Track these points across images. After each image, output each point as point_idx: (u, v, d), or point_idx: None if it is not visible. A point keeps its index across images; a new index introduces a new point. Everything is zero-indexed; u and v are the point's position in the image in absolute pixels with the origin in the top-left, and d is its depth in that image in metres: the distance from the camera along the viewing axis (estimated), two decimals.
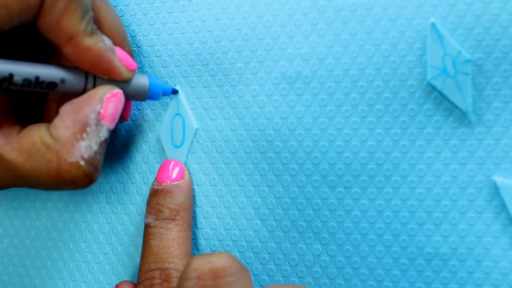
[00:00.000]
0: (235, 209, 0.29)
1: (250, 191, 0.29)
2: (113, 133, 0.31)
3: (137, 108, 0.31)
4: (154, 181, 0.29)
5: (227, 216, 0.30)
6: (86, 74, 0.25)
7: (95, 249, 0.32)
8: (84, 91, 0.25)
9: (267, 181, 0.29)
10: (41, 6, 0.23)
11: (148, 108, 0.31)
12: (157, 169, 0.31)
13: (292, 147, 0.29)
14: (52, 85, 0.24)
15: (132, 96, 0.27)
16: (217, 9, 0.30)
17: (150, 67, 0.31)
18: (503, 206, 0.26)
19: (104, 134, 0.25)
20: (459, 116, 0.27)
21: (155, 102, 0.30)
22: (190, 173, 0.30)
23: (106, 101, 0.25)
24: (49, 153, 0.24)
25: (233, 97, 0.29)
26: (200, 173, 0.30)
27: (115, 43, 0.27)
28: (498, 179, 0.26)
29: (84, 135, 0.24)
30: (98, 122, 0.25)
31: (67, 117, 0.24)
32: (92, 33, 0.25)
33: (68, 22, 0.24)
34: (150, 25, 0.31)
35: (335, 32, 0.28)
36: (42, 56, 0.28)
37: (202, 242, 0.30)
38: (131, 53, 0.29)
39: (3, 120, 0.25)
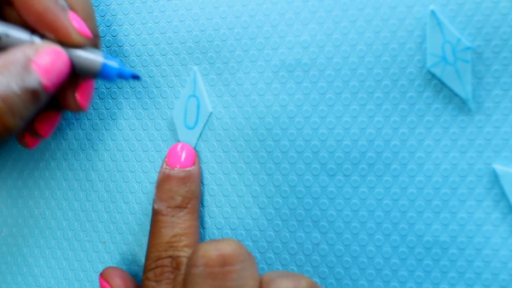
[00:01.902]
0: (234, 197, 0.31)
1: (249, 179, 0.30)
2: (112, 121, 0.32)
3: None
4: (163, 164, 0.30)
5: (225, 205, 0.31)
6: (33, 32, 0.25)
7: (94, 238, 0.33)
8: None
9: (266, 169, 0.30)
10: None
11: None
12: (156, 158, 0.32)
13: (291, 135, 0.30)
14: None
15: (81, 69, 0.26)
16: None
17: (149, 55, 0.32)
18: (503, 194, 0.27)
19: (31, 81, 0.24)
20: (458, 103, 0.28)
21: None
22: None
23: (42, 51, 0.24)
24: None
25: (232, 85, 0.31)
26: (199, 162, 0.31)
27: (77, 15, 0.26)
28: (498, 167, 0.27)
29: (6, 72, 0.23)
30: (26, 66, 0.24)
31: None
32: None
33: None
34: (149, 13, 0.32)
35: (334, 19, 0.29)
36: None
37: (200, 231, 0.31)
38: (96, 33, 0.28)
39: None
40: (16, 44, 0.25)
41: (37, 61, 0.24)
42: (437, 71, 0.28)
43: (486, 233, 0.28)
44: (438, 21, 0.28)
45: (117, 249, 0.33)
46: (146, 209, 0.32)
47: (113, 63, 0.28)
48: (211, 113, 0.31)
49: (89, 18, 0.28)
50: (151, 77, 0.32)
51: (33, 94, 0.24)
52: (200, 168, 0.30)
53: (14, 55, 0.24)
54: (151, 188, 0.32)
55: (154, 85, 0.32)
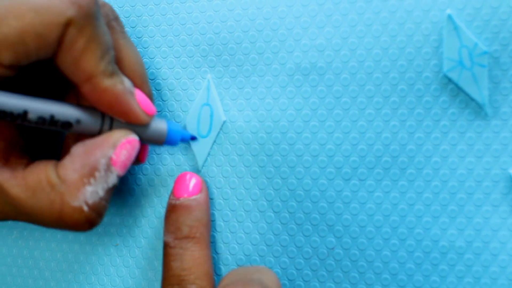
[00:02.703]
0: (248, 201, 0.31)
1: (264, 183, 0.31)
2: None
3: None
4: (171, 195, 0.30)
5: (239, 208, 0.31)
6: (103, 115, 0.26)
7: (106, 241, 0.33)
8: (99, 132, 0.26)
9: (281, 173, 0.30)
10: (60, 43, 0.24)
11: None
12: (169, 161, 0.32)
13: (306, 138, 0.30)
14: (67, 124, 0.25)
15: (149, 140, 0.28)
16: None
17: (162, 57, 0.32)
18: None
19: (112, 180, 0.25)
20: (475, 108, 0.28)
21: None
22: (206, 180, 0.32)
23: (119, 147, 0.26)
24: (53, 194, 0.25)
25: (246, 88, 0.31)
26: (213, 165, 0.31)
27: (134, 84, 0.28)
28: None
29: (92, 180, 0.25)
30: (108, 168, 0.25)
31: (77, 158, 0.25)
32: (111, 74, 0.25)
33: (87, 62, 0.24)
34: (162, 15, 0.32)
35: (350, 23, 0.29)
36: (60, 92, 0.29)
37: (214, 234, 0.31)
38: (150, 95, 0.30)
39: (10, 153, 0.26)
40: (87, 129, 0.26)
41: (116, 159, 0.25)
42: (453, 75, 0.28)
43: (502, 238, 0.28)
44: (455, 26, 0.28)
45: (129, 252, 0.33)
46: (159, 213, 0.33)
47: (177, 129, 0.29)
48: (224, 121, 0.31)
49: (144, 81, 0.29)
50: (164, 79, 0.32)
51: (113, 188, 0.26)
52: (207, 194, 0.31)
53: (96, 158, 0.25)
54: (164, 188, 0.32)
55: (168, 88, 0.32)
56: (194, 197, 0.30)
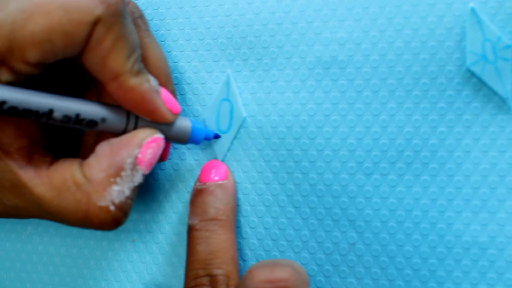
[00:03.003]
0: (268, 196, 0.31)
1: (284, 178, 0.30)
2: None
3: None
4: (196, 182, 0.30)
5: (259, 204, 0.31)
6: (128, 113, 0.26)
7: (122, 237, 0.33)
8: (124, 131, 0.26)
9: (301, 167, 0.30)
10: (87, 42, 0.23)
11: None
12: (187, 156, 0.32)
13: (327, 133, 0.30)
14: (92, 123, 0.25)
15: (173, 139, 0.28)
16: None
17: (180, 51, 0.32)
18: None
19: (138, 179, 0.25)
20: (498, 102, 0.28)
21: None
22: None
23: (145, 146, 0.26)
24: (79, 193, 0.25)
25: (265, 82, 0.31)
26: (232, 160, 0.31)
27: (159, 82, 0.27)
28: None
29: (118, 179, 0.25)
30: (134, 167, 0.25)
31: (103, 158, 0.25)
32: (138, 73, 0.25)
33: (113, 61, 0.24)
34: (180, 8, 0.32)
35: (371, 16, 0.29)
36: (80, 89, 0.29)
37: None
38: (174, 93, 0.30)
39: (33, 151, 0.26)
40: (112, 128, 0.26)
41: (142, 158, 0.25)
42: (476, 69, 0.28)
43: None
44: (478, 19, 0.28)
45: (146, 248, 0.33)
46: (177, 207, 0.32)
47: (201, 127, 0.29)
48: (245, 117, 0.31)
49: (169, 79, 0.29)
50: (182, 73, 0.32)
51: (139, 186, 0.26)
52: (234, 182, 0.30)
53: (122, 158, 0.25)
54: (182, 184, 0.32)
55: (185, 82, 0.32)
56: (221, 182, 0.30)
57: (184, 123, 0.28)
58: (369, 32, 0.29)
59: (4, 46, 0.22)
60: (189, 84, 0.32)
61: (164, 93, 0.27)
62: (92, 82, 0.29)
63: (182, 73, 0.32)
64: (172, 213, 0.33)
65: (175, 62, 0.32)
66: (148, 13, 0.33)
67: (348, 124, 0.30)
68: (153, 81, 0.26)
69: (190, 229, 0.29)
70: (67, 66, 0.27)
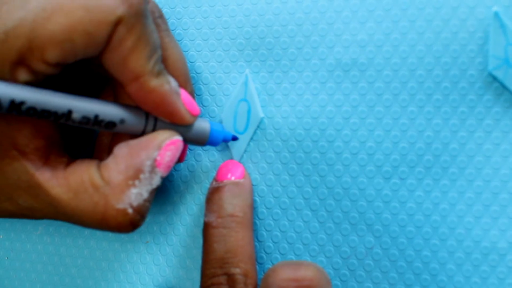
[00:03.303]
0: (285, 198, 0.30)
1: (301, 180, 0.30)
2: None
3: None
4: (212, 181, 0.30)
5: (275, 206, 0.31)
6: (147, 115, 0.26)
7: (135, 238, 0.33)
8: (143, 132, 0.26)
9: (319, 170, 0.30)
10: (108, 42, 0.23)
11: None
12: (201, 153, 0.32)
13: (346, 136, 0.30)
14: (110, 124, 0.25)
15: (191, 141, 0.28)
16: None
17: (196, 50, 0.32)
18: None
19: (156, 181, 0.25)
20: None
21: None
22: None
23: (164, 148, 0.25)
24: (96, 196, 0.24)
25: (284, 84, 0.30)
26: (249, 162, 0.31)
27: (179, 84, 0.27)
28: None
29: (137, 182, 0.24)
30: (152, 170, 0.25)
31: (121, 160, 0.25)
32: (158, 74, 0.25)
33: (135, 61, 0.24)
34: (197, 7, 0.32)
35: (393, 18, 0.29)
36: (97, 88, 0.29)
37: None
38: (193, 94, 0.29)
39: (50, 152, 0.25)
40: (130, 129, 0.25)
41: (161, 160, 0.25)
42: (498, 74, 0.28)
43: None
44: (501, 23, 0.28)
45: (160, 250, 0.33)
46: (192, 209, 0.32)
47: (219, 129, 0.29)
48: (262, 118, 0.31)
49: (188, 80, 0.29)
50: (198, 73, 0.32)
51: (156, 189, 0.25)
52: (251, 182, 0.30)
53: (141, 160, 0.24)
54: (197, 185, 0.32)
55: (202, 82, 0.32)
56: (238, 180, 0.29)
57: (202, 125, 0.28)
58: (390, 34, 0.29)
59: (24, 45, 0.21)
60: (205, 84, 0.32)
61: (183, 94, 0.26)
62: (108, 82, 0.29)
63: (199, 73, 0.32)
64: (187, 215, 0.32)
65: (192, 62, 0.32)
66: (165, 11, 0.32)
67: (367, 127, 0.29)
68: (173, 82, 0.26)
69: (207, 227, 0.29)
70: (83, 65, 0.27)
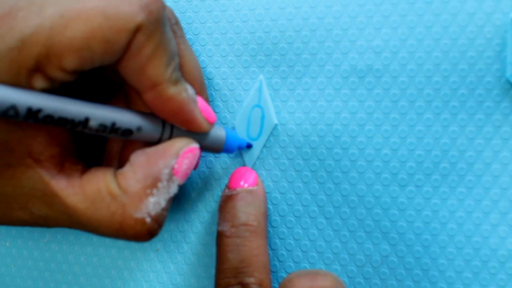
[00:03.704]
0: (298, 206, 0.30)
1: (315, 188, 0.30)
2: None
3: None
4: (225, 189, 0.29)
5: (289, 214, 0.30)
6: (163, 122, 0.25)
7: (146, 246, 0.32)
8: (159, 140, 0.25)
9: (333, 178, 0.30)
10: (126, 50, 0.22)
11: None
12: (212, 159, 0.31)
13: (360, 143, 0.29)
14: (127, 132, 0.24)
15: (207, 148, 0.27)
16: None
17: (208, 56, 0.31)
18: None
19: (174, 190, 0.25)
20: None
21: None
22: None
23: (181, 156, 0.25)
24: (114, 205, 0.24)
25: (297, 90, 0.30)
26: (262, 169, 0.31)
27: (195, 91, 0.27)
28: None
29: (154, 191, 0.24)
30: (170, 178, 0.24)
31: (139, 168, 0.24)
32: (176, 82, 0.24)
33: (153, 69, 0.23)
34: (208, 12, 0.31)
35: (409, 24, 0.29)
36: (108, 94, 0.28)
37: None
38: (208, 101, 0.29)
39: (65, 159, 0.25)
40: (147, 137, 0.25)
41: (178, 169, 0.25)
42: None
43: None
44: None
45: (170, 258, 0.32)
46: (203, 217, 0.32)
47: (235, 136, 0.29)
48: (276, 124, 0.30)
49: (203, 87, 0.28)
50: (210, 79, 0.31)
51: (173, 197, 0.25)
52: (264, 190, 0.30)
53: (159, 168, 0.24)
54: (209, 192, 0.32)
55: (213, 88, 0.31)
56: (251, 188, 0.29)
57: (218, 132, 0.28)
58: (406, 40, 0.29)
59: (42, 52, 0.21)
60: (217, 90, 0.31)
61: (200, 102, 0.26)
62: (118, 88, 0.29)
63: (210, 79, 0.31)
64: (198, 223, 0.32)
65: (203, 68, 0.31)
66: None
67: (383, 135, 0.29)
68: (190, 90, 0.25)
69: (220, 236, 0.28)
70: (95, 71, 0.26)
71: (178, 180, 0.25)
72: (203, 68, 0.31)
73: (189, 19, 0.32)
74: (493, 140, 0.28)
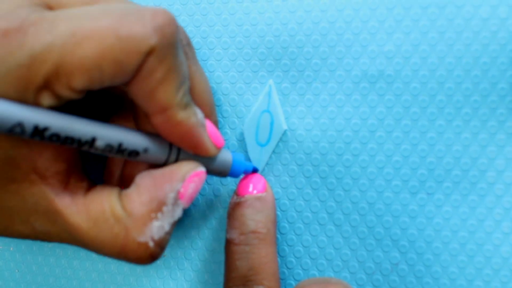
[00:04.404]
0: (308, 213, 0.30)
1: (325, 194, 0.29)
2: None
3: None
4: (233, 195, 0.29)
5: (298, 221, 0.30)
6: (170, 145, 0.25)
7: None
8: (165, 162, 0.25)
9: (343, 184, 0.29)
10: (136, 72, 0.22)
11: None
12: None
13: (371, 150, 0.29)
14: (134, 153, 0.24)
15: (213, 172, 0.27)
16: (292, 0, 0.29)
17: (216, 59, 0.31)
18: None
19: (178, 214, 0.24)
20: None
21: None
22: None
23: (187, 180, 0.24)
24: (117, 227, 0.23)
25: (307, 95, 0.29)
26: (270, 175, 0.30)
27: (204, 114, 0.26)
28: None
29: (159, 215, 0.23)
30: (175, 202, 0.24)
31: (145, 191, 0.24)
32: (186, 106, 0.24)
33: (163, 93, 0.22)
34: (217, 15, 0.30)
35: (421, 30, 0.28)
36: (110, 111, 0.28)
37: None
38: (217, 124, 0.29)
39: (70, 175, 0.24)
40: (153, 159, 0.24)
41: (184, 193, 0.24)
42: None
43: None
44: None
45: (177, 264, 0.32)
46: (211, 223, 0.31)
47: (241, 160, 0.28)
48: (285, 130, 0.30)
49: (212, 110, 0.28)
50: (218, 83, 0.31)
51: (177, 221, 0.24)
52: (273, 195, 0.29)
53: (165, 192, 0.23)
54: (216, 198, 0.31)
55: (222, 92, 0.31)
56: (260, 194, 0.28)
57: (225, 157, 0.27)
58: (418, 46, 0.28)
59: (51, 70, 0.20)
60: (225, 95, 0.31)
61: (209, 126, 0.25)
62: (124, 103, 0.28)
63: (219, 83, 0.31)
64: (206, 229, 0.31)
65: (211, 72, 0.31)
66: (182, 19, 0.31)
67: (394, 141, 0.29)
68: (199, 114, 0.25)
69: (229, 244, 0.28)
70: (104, 90, 0.26)
71: (183, 204, 0.24)
72: (211, 72, 0.31)
73: (198, 22, 0.31)
74: (506, 147, 0.28)
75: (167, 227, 0.24)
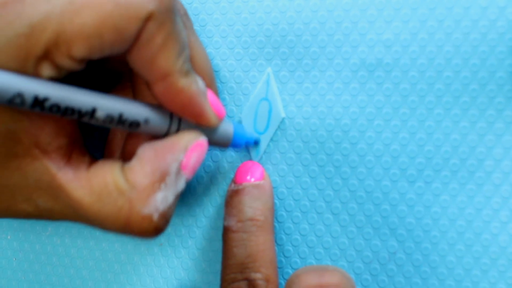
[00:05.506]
0: (305, 201, 0.29)
1: (322, 183, 0.29)
2: None
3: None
4: (231, 183, 0.29)
5: (296, 209, 0.30)
6: (171, 115, 0.25)
7: (149, 240, 0.32)
8: (166, 133, 0.25)
9: (341, 173, 0.29)
10: (136, 39, 0.21)
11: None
12: (220, 157, 0.30)
13: (369, 138, 0.28)
14: (134, 124, 0.23)
15: (214, 143, 0.27)
16: None
17: (214, 48, 0.30)
18: None
19: (181, 185, 0.24)
20: None
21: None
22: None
23: (189, 151, 0.24)
24: (121, 200, 0.23)
25: (305, 83, 0.29)
26: (268, 163, 0.30)
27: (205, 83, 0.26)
28: None
29: (162, 186, 0.23)
30: (178, 172, 0.24)
31: (147, 162, 0.23)
32: (187, 73, 0.23)
33: (164, 59, 0.22)
34: (215, 3, 0.30)
35: (420, 18, 0.28)
36: (109, 85, 0.28)
37: None
38: (217, 94, 0.28)
39: (72, 150, 0.24)
40: (154, 130, 0.24)
41: (186, 163, 0.24)
42: None
43: None
44: None
45: (174, 252, 0.31)
46: (208, 211, 0.31)
47: (243, 132, 0.28)
48: (283, 118, 0.29)
49: (212, 80, 0.28)
50: (216, 71, 0.31)
51: (180, 193, 0.24)
52: (271, 183, 0.29)
53: (168, 163, 0.23)
54: (214, 187, 0.31)
55: (220, 80, 0.31)
56: (258, 182, 0.28)
57: (226, 127, 0.27)
58: (417, 34, 0.28)
59: (51, 39, 0.20)
60: (223, 83, 0.31)
61: (210, 95, 0.25)
62: (123, 79, 0.28)
63: (217, 71, 0.31)
64: (203, 217, 0.31)
65: (210, 60, 0.30)
66: None
67: (392, 130, 0.28)
68: (200, 83, 0.25)
69: (226, 231, 0.28)
70: (102, 62, 0.26)
71: (186, 175, 0.24)
72: (210, 60, 0.31)
73: (196, 10, 0.31)
74: (504, 136, 0.28)
75: (170, 198, 0.23)
